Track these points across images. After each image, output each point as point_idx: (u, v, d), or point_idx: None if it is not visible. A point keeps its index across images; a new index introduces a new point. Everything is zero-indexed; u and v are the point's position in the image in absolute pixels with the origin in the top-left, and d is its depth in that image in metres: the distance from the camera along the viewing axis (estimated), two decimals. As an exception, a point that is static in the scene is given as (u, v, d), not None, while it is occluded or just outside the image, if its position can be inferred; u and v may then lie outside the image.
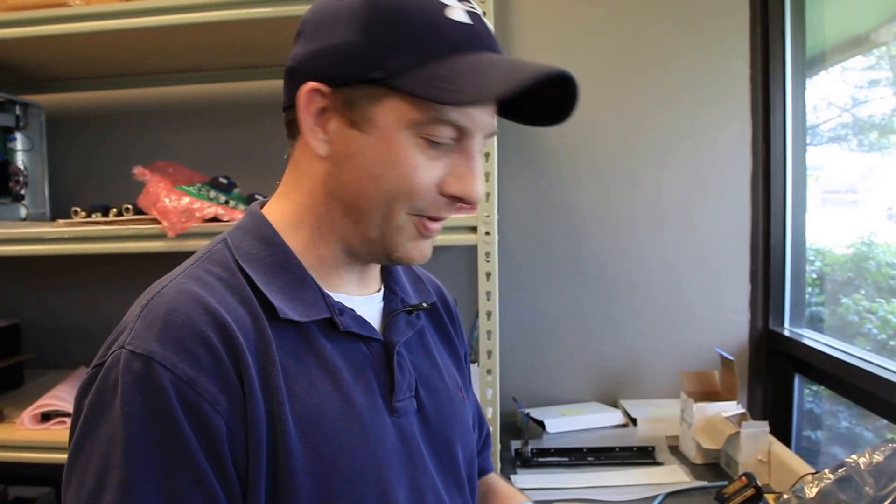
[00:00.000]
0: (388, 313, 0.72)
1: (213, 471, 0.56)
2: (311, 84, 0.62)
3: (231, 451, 0.57)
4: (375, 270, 0.74)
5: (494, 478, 0.92)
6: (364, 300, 0.71)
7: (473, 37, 0.61)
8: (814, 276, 1.70)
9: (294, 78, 0.64)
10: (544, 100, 0.64)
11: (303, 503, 0.59)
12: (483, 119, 0.63)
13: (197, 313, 0.58)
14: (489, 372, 1.24)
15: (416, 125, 0.60)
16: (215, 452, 0.56)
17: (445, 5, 0.61)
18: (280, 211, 0.69)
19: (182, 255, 0.68)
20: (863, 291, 1.64)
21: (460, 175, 0.63)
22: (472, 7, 0.63)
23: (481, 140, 0.65)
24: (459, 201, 0.64)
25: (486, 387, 1.25)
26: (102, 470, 0.55)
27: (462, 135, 0.62)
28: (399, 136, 0.61)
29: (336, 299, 0.67)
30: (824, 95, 1.72)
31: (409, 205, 0.63)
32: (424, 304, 0.76)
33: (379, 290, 0.74)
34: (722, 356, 1.46)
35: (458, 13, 0.61)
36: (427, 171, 0.62)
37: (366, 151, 0.62)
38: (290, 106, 0.66)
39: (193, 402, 0.55)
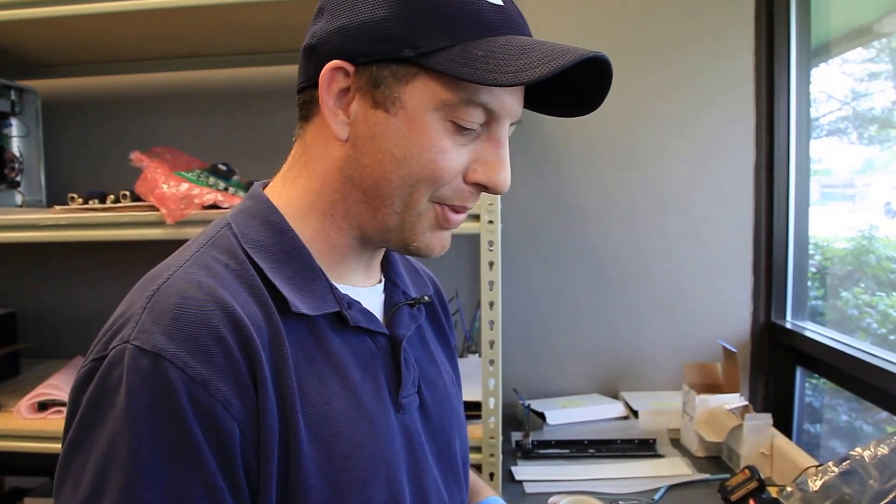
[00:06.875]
0: (390, 306, 0.71)
1: (223, 477, 0.53)
2: (334, 62, 0.59)
3: (242, 456, 0.54)
4: (379, 261, 0.73)
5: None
6: (367, 291, 0.69)
7: (507, 19, 0.59)
8: (813, 269, 1.69)
9: (314, 56, 0.61)
10: (575, 88, 0.62)
11: None
12: (513, 104, 0.61)
13: (209, 307, 0.55)
14: (491, 363, 1.23)
15: (446, 107, 0.58)
16: (226, 458, 0.53)
17: None
18: (287, 196, 0.66)
19: (181, 244, 0.65)
20: (862, 285, 1.63)
21: (487, 162, 0.61)
22: None
23: (508, 127, 0.63)
24: (484, 190, 0.62)
25: (489, 377, 1.23)
26: (101, 473, 0.51)
27: (490, 120, 0.61)
28: (427, 118, 0.58)
29: (342, 291, 0.65)
30: (823, 88, 1.70)
31: (431, 191, 0.61)
32: (426, 298, 0.74)
33: (380, 282, 0.72)
34: (725, 348, 1.46)
35: None
36: (454, 155, 0.60)
37: (390, 133, 0.59)
38: (306, 86, 0.63)
39: (206, 405, 0.52)
